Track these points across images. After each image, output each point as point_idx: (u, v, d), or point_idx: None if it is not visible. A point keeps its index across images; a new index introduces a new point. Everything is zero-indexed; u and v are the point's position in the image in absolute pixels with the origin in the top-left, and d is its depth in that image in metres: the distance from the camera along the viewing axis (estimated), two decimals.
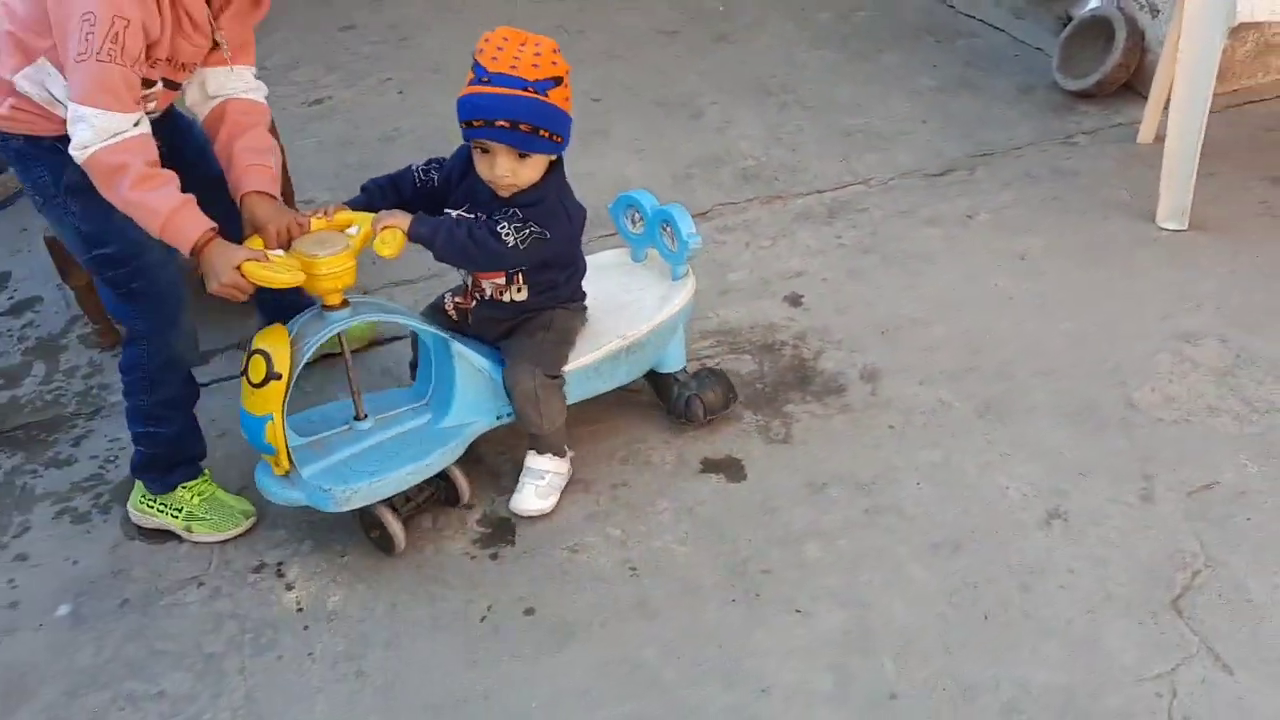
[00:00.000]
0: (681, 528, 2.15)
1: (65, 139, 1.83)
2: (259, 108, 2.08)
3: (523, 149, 1.97)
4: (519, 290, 2.13)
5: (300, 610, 2.05)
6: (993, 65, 3.75)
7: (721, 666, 1.89)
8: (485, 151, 1.99)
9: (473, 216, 2.06)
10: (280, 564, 2.15)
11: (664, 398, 2.38)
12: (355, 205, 2.09)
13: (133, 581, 2.14)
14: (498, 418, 2.22)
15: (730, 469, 2.27)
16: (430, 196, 2.12)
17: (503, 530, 2.18)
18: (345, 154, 3.52)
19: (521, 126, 1.93)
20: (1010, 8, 4.06)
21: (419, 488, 2.14)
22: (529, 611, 2.01)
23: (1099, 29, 3.44)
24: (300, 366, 1.98)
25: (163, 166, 1.90)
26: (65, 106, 1.84)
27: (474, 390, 2.16)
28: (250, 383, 1.97)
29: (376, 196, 2.11)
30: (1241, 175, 3.01)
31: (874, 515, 2.14)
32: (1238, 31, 2.90)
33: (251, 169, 2.01)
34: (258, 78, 2.13)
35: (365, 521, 2.14)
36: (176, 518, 2.19)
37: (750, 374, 2.52)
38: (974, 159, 3.25)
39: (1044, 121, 3.40)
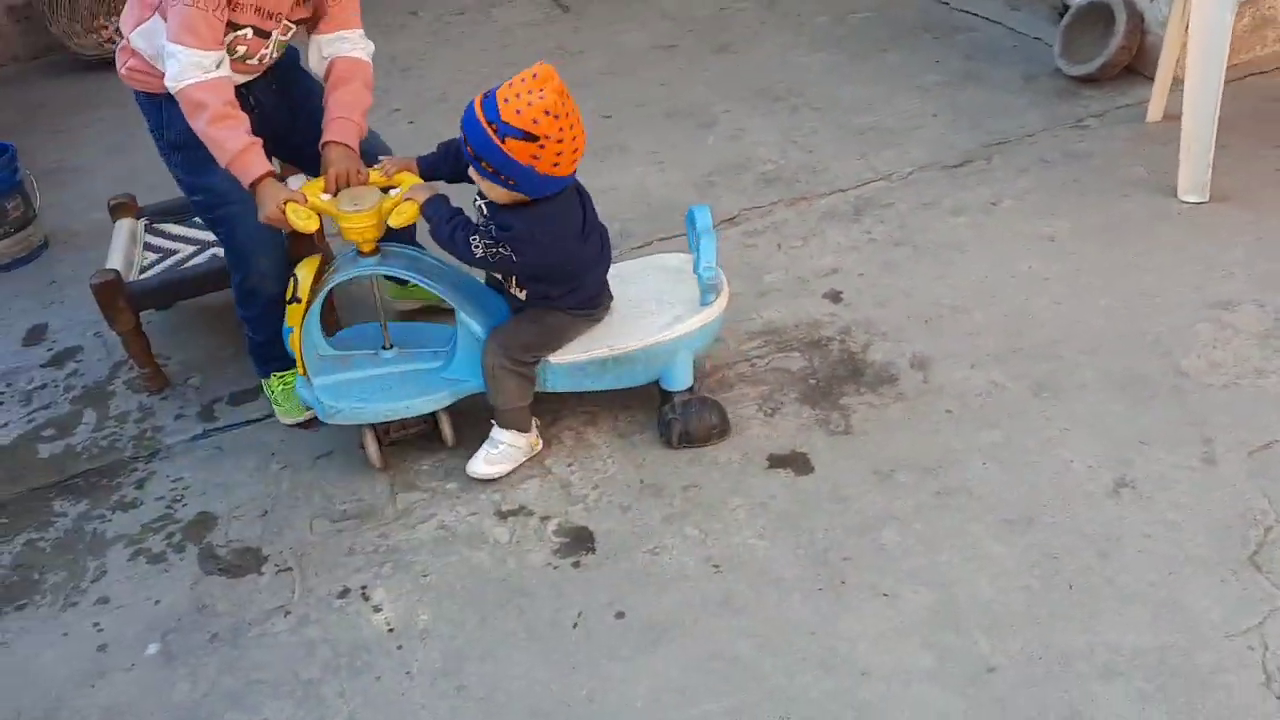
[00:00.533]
0: (758, 523, 2.19)
1: (170, 95, 2.18)
2: (359, 64, 2.38)
3: (474, 166, 2.12)
4: (520, 290, 2.31)
5: (391, 631, 2.07)
6: (993, 57, 3.83)
7: (816, 654, 1.93)
8: None
9: (480, 207, 2.24)
10: (364, 588, 2.17)
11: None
12: (424, 162, 2.31)
13: (218, 616, 2.15)
14: None
15: (797, 463, 2.31)
16: None
17: (581, 539, 2.21)
18: None
19: (468, 147, 2.09)
20: (1004, 1, 4.15)
21: (415, 420, 2.39)
22: (619, 615, 2.04)
23: (1097, 14, 3.52)
24: (323, 294, 2.29)
25: (274, 116, 2.38)
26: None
27: (470, 354, 2.33)
28: (284, 298, 2.32)
29: (441, 159, 2.29)
30: (1253, 145, 3.09)
31: (944, 497, 2.19)
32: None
33: (336, 121, 2.31)
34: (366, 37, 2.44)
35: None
36: (270, 398, 2.61)
37: (802, 370, 2.56)
38: (988, 148, 3.32)
39: (1052, 108, 3.47)
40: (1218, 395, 2.33)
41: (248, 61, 2.31)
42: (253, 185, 2.20)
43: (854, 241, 2.99)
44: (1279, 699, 1.75)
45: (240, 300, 2.49)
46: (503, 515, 2.28)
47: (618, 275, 2.48)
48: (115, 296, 2.65)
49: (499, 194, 2.14)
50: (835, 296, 2.79)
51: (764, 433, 2.40)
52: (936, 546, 2.09)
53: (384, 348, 2.41)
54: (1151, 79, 3.29)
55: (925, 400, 2.43)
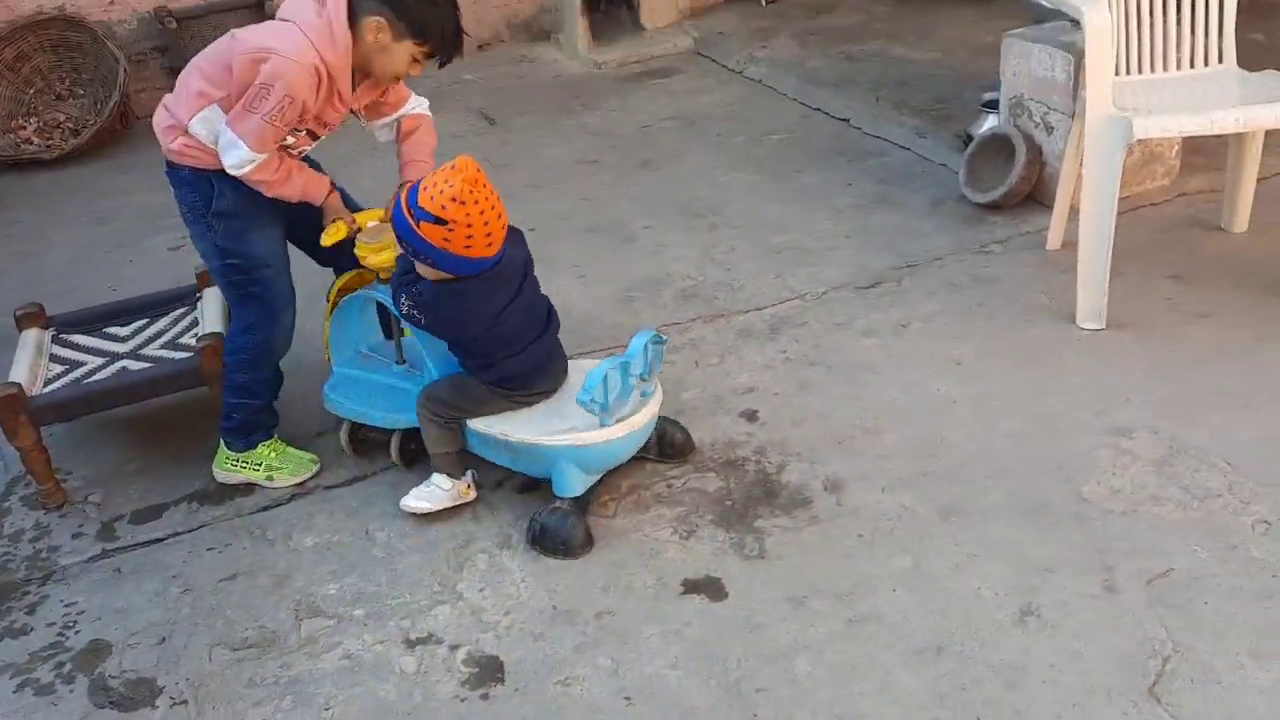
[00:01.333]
0: (671, 651, 2.17)
1: (221, 171, 2.43)
2: (420, 117, 2.69)
3: (404, 249, 2.36)
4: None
5: None
6: (904, 181, 3.98)
7: None
8: None
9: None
10: None
11: None
12: None
13: None
14: None
15: (711, 589, 2.31)
16: None
17: (491, 669, 2.17)
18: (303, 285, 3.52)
19: (395, 232, 2.35)
20: (912, 128, 4.33)
21: (383, 431, 2.66)
22: None
23: (999, 145, 3.70)
24: (351, 303, 2.66)
25: None
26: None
27: None
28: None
29: None
30: (1147, 274, 3.25)
31: (856, 625, 2.20)
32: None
33: (409, 164, 2.64)
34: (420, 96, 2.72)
35: None
36: (258, 471, 2.68)
37: (718, 491, 2.57)
38: (899, 270, 3.43)
39: (958, 233, 3.61)
40: (1117, 522, 2.39)
41: (291, 152, 2.54)
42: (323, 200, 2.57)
43: (770, 360, 3.05)
44: None
45: (251, 363, 2.63)
46: (411, 644, 2.23)
47: (586, 369, 2.55)
48: (17, 411, 2.57)
49: (429, 273, 2.36)
50: (751, 416, 2.83)
51: (679, 556, 2.40)
52: (848, 677, 2.09)
53: (397, 362, 2.69)
54: (1051, 208, 3.45)
55: (838, 524, 2.46)
